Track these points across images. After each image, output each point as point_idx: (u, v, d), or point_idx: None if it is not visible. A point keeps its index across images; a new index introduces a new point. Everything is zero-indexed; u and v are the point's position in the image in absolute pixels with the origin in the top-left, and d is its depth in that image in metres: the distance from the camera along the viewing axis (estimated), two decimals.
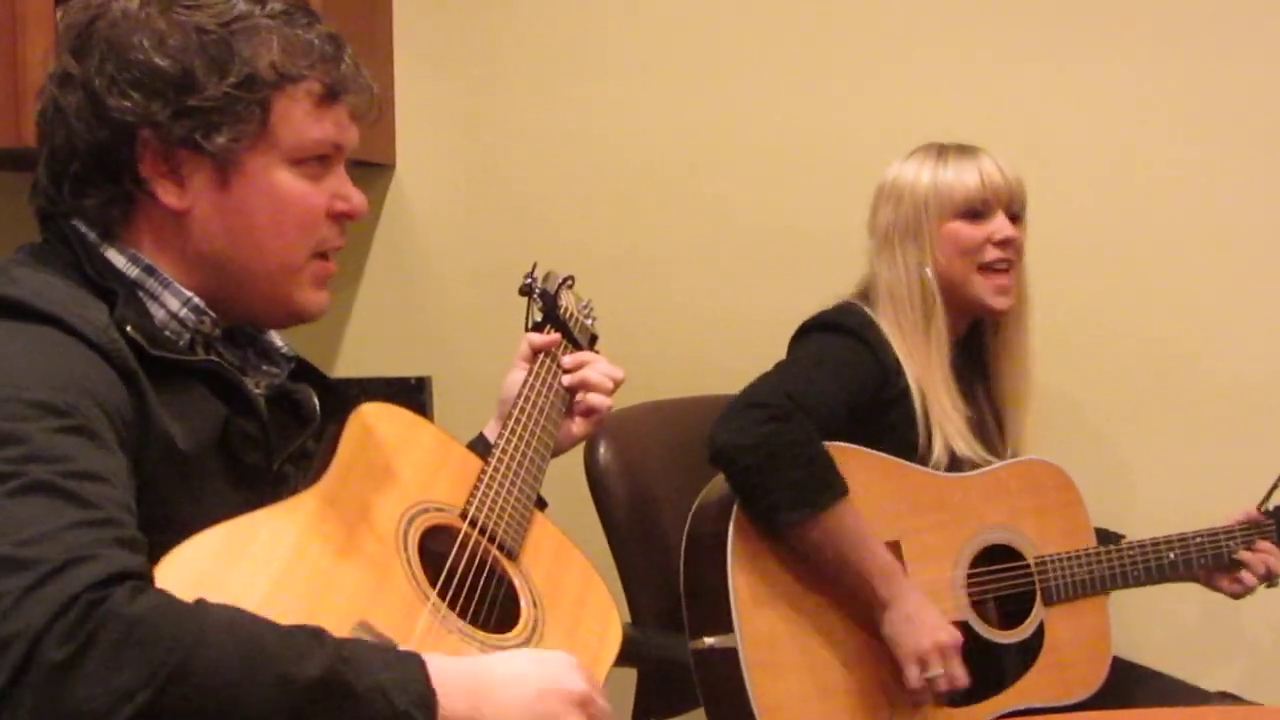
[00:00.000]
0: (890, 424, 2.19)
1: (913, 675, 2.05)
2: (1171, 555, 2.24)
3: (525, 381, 1.77)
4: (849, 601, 2.10)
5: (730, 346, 2.80)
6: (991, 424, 2.32)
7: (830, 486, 2.05)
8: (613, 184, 2.91)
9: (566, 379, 1.81)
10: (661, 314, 2.88)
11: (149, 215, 1.38)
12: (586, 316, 1.95)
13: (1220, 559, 2.26)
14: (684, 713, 2.41)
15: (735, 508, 2.09)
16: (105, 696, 1.03)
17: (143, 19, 1.36)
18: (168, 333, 1.37)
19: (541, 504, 1.69)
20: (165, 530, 1.22)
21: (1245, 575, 2.26)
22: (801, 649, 2.07)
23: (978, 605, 2.18)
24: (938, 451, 2.19)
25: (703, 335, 2.86)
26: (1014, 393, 2.31)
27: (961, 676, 2.07)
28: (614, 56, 2.91)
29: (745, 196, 2.84)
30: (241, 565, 1.25)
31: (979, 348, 2.35)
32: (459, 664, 1.23)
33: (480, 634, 1.40)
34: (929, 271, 2.22)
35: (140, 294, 1.37)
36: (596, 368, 1.83)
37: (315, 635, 1.14)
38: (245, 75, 1.36)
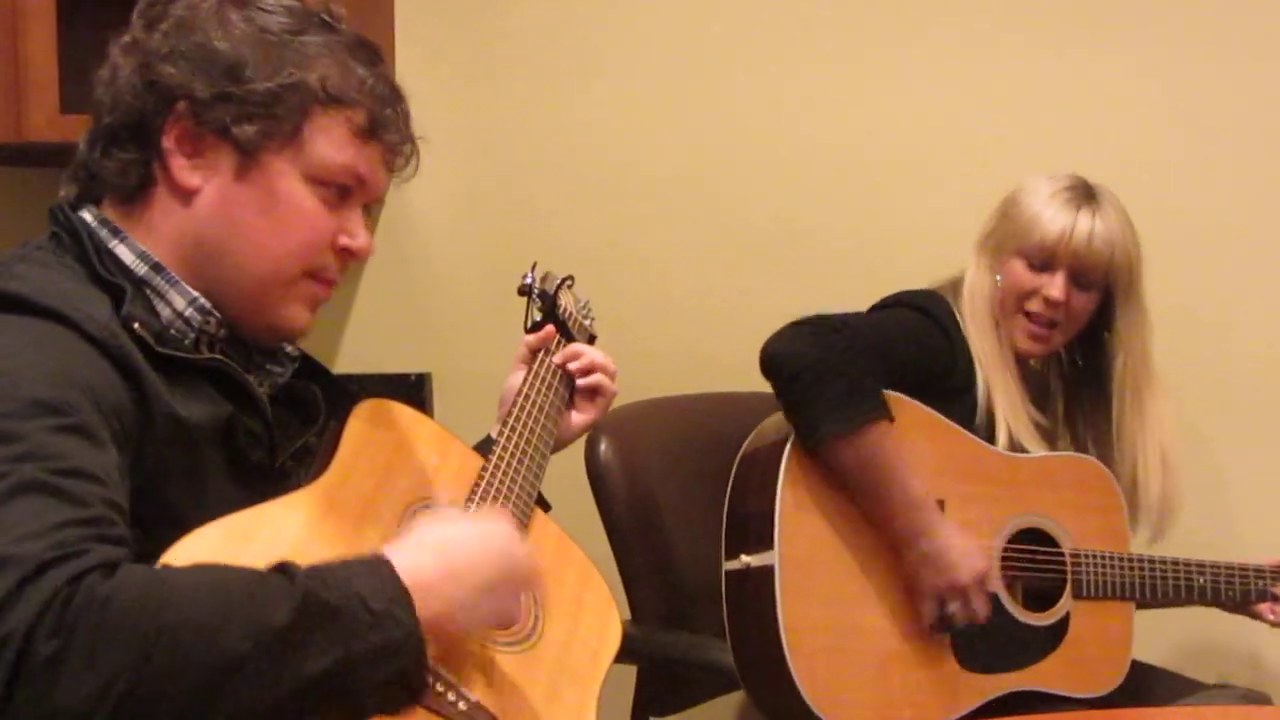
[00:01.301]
0: (950, 416, 2.19)
1: (928, 611, 2.07)
2: (1201, 580, 2.26)
3: (525, 379, 1.78)
4: (887, 537, 2.10)
5: (731, 344, 2.79)
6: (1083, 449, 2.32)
7: (873, 407, 2.06)
8: (613, 182, 2.92)
9: (571, 364, 1.83)
10: (662, 312, 2.89)
11: (160, 192, 1.39)
12: (585, 316, 1.95)
13: (1247, 595, 2.28)
14: (683, 710, 2.42)
15: (790, 434, 2.10)
16: (95, 681, 1.03)
17: (220, 11, 1.39)
18: (173, 331, 1.37)
19: (545, 506, 1.69)
20: (168, 526, 1.22)
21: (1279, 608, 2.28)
22: (837, 578, 2.08)
23: (1008, 583, 2.19)
24: (1001, 441, 2.20)
25: (703, 333, 2.86)
26: (1141, 457, 2.28)
27: (982, 608, 2.08)
28: (614, 55, 2.91)
29: (745, 195, 2.84)
30: (242, 560, 1.24)
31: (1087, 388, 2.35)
32: (420, 555, 1.24)
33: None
34: (999, 280, 2.24)
35: (147, 291, 1.38)
36: (593, 352, 1.85)
37: (281, 569, 1.15)
38: (292, 81, 1.38)
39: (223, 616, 1.08)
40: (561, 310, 1.88)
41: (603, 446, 2.32)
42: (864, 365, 2.08)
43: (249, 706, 1.07)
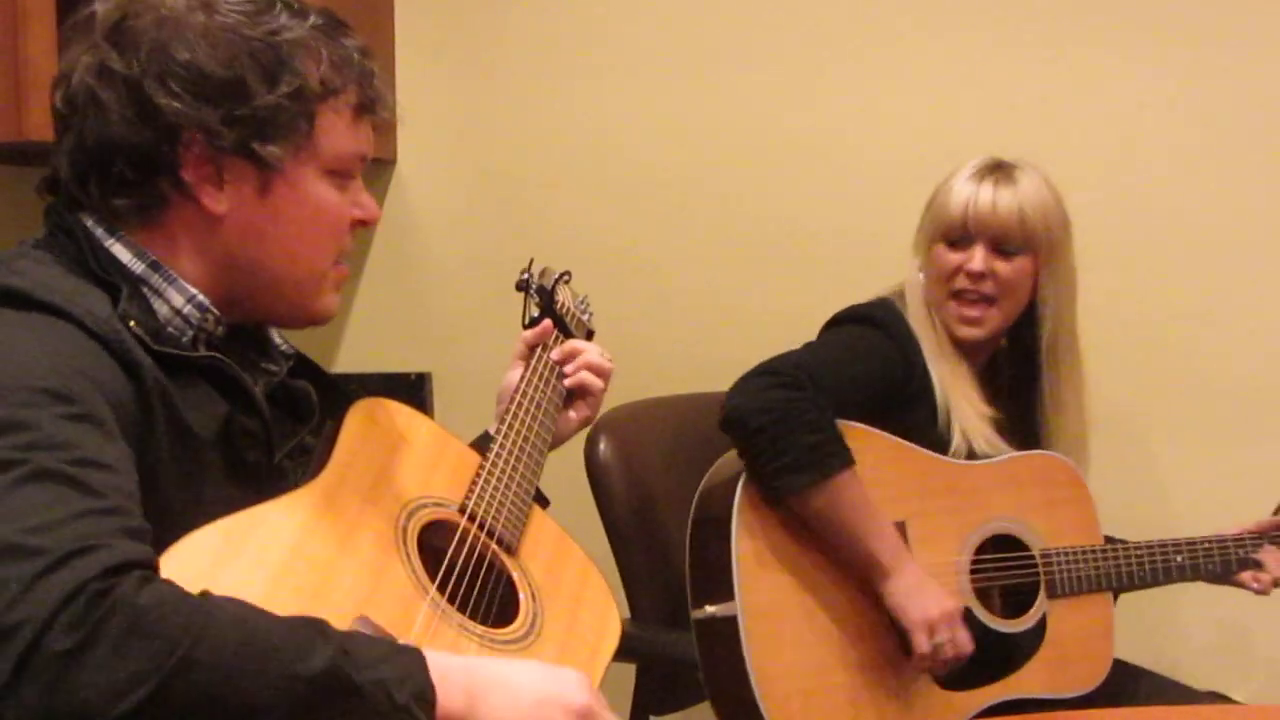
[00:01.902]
0: (913, 424, 2.20)
1: (920, 642, 2.05)
2: (1179, 558, 2.24)
3: (522, 376, 1.78)
4: (852, 576, 2.10)
5: (729, 342, 2.80)
6: (1020, 435, 2.30)
7: (837, 454, 2.06)
8: (612, 180, 2.92)
9: (567, 369, 1.82)
10: (661, 310, 2.89)
11: (181, 217, 1.39)
12: (583, 312, 1.96)
13: (1228, 566, 2.25)
14: (683, 708, 2.42)
15: (743, 477, 2.10)
16: (109, 686, 1.03)
17: (189, 20, 1.36)
18: (170, 329, 1.37)
19: (544, 502, 1.69)
20: (164, 525, 1.21)
21: (1262, 576, 2.25)
22: (802, 622, 2.08)
23: (981, 593, 2.18)
24: (955, 445, 2.20)
25: (702, 331, 2.86)
26: (1060, 424, 2.30)
27: (967, 642, 2.08)
28: (614, 54, 2.91)
29: (745, 192, 2.85)
30: (240, 561, 1.25)
31: (1022, 366, 2.33)
32: (457, 660, 1.23)
33: (479, 628, 1.40)
34: (922, 277, 2.25)
35: (144, 289, 1.37)
36: (588, 351, 1.85)
37: (318, 629, 1.14)
38: (296, 86, 1.37)
39: (251, 663, 1.07)
40: (559, 305, 1.88)
41: (602, 445, 2.32)
42: (827, 411, 2.08)
43: None
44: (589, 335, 1.93)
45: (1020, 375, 2.32)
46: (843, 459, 2.07)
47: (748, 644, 2.02)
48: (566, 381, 1.83)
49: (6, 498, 1.08)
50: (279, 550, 1.29)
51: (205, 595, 1.12)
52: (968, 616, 2.13)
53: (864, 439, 2.12)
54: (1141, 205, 2.66)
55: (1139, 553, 2.24)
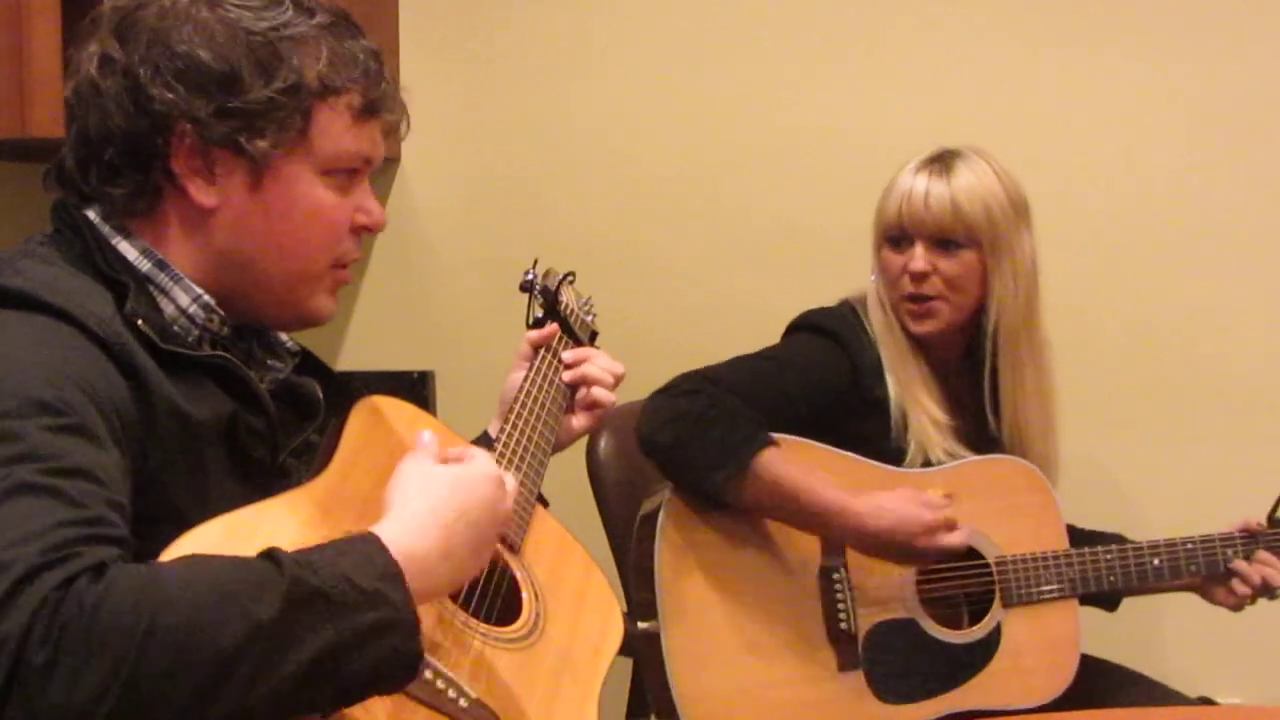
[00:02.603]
0: (864, 434, 2.16)
1: (947, 542, 2.04)
2: (1156, 562, 2.16)
3: (526, 377, 1.77)
4: (793, 593, 2.08)
5: (732, 342, 2.77)
6: (995, 437, 2.24)
7: (749, 440, 2.03)
8: (617, 180, 2.92)
9: (567, 375, 1.81)
10: (664, 310, 2.89)
11: (175, 208, 1.39)
12: (587, 313, 1.95)
13: (1214, 567, 2.18)
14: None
15: (667, 493, 2.08)
16: (88, 689, 1.02)
17: (192, 13, 1.36)
18: (176, 328, 1.37)
19: (543, 502, 1.69)
20: (170, 525, 1.22)
21: (1239, 586, 2.17)
22: (730, 638, 2.05)
23: (934, 603, 2.14)
24: (910, 455, 2.15)
25: (704, 331, 2.86)
26: (1023, 418, 2.22)
27: (954, 533, 2.06)
28: (618, 53, 2.91)
29: (748, 192, 2.85)
30: None
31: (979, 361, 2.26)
32: (406, 527, 1.23)
33: (483, 626, 1.40)
34: (873, 280, 2.21)
35: (151, 288, 1.37)
36: (597, 362, 1.83)
37: (268, 555, 1.13)
38: (292, 82, 1.36)
39: (213, 614, 1.06)
40: (563, 307, 1.88)
41: (603, 443, 2.33)
42: (733, 405, 2.05)
43: (245, 701, 1.06)
44: (593, 336, 1.93)
45: (978, 373, 2.24)
46: (756, 443, 2.02)
47: (669, 662, 2.01)
48: (578, 396, 1.82)
49: None
50: (282, 546, 1.28)
51: (153, 566, 1.12)
52: (912, 628, 2.10)
53: (799, 450, 2.09)
54: (1141, 204, 2.66)
55: (1108, 557, 2.16)
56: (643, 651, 2.05)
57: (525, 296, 1.89)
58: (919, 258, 2.14)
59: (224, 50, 1.35)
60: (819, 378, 2.16)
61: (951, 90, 2.73)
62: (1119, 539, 2.29)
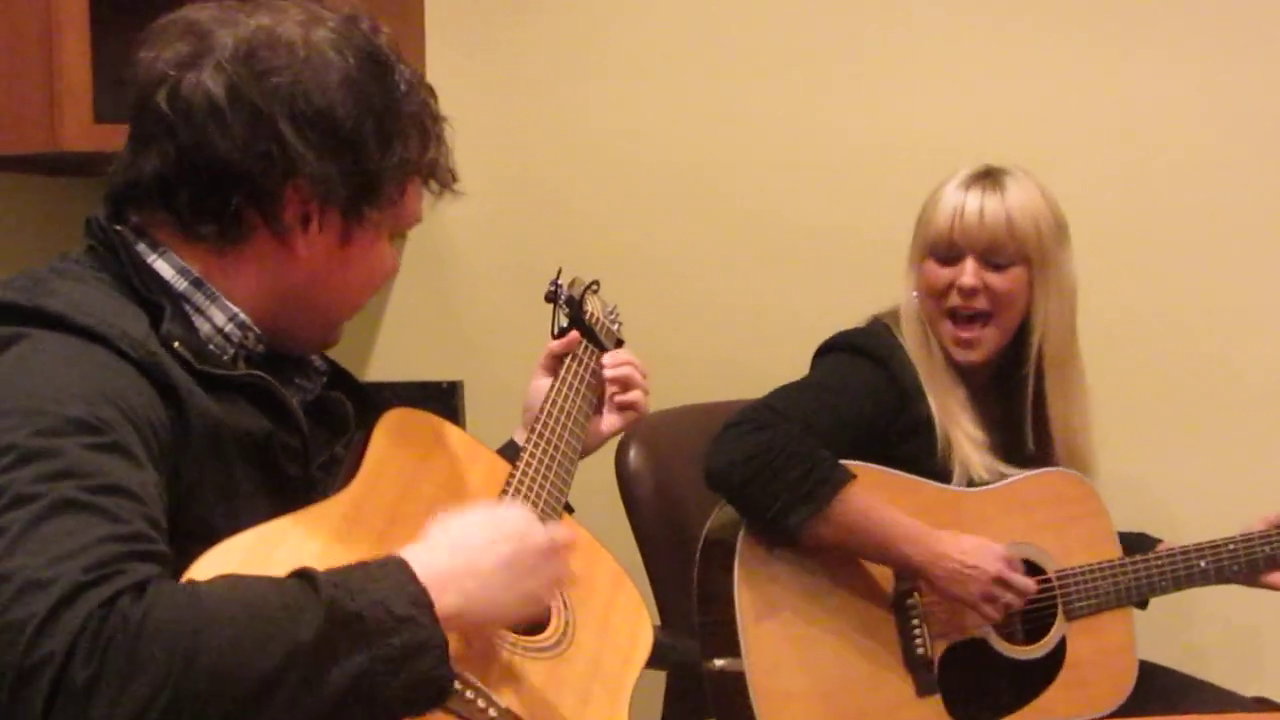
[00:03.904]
0: (912, 452, 2.16)
1: (989, 614, 2.05)
2: (1202, 563, 2.19)
3: (552, 386, 1.78)
4: (869, 620, 2.08)
5: (760, 349, 2.80)
6: (1031, 455, 2.24)
7: (828, 478, 2.03)
8: (645, 188, 2.92)
9: (609, 373, 1.84)
10: (692, 317, 2.89)
11: (259, 248, 1.39)
12: (613, 321, 1.95)
13: (1255, 564, 2.19)
14: (712, 717, 2.41)
15: (741, 532, 2.07)
16: (130, 708, 1.03)
17: (329, 61, 1.37)
18: (212, 346, 1.38)
19: (567, 509, 1.69)
20: (201, 542, 1.23)
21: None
22: (809, 673, 2.05)
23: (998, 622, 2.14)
24: (957, 476, 2.15)
25: (732, 338, 2.86)
26: (1073, 435, 2.24)
27: (1030, 585, 2.07)
28: (644, 60, 2.91)
29: (775, 198, 2.84)
30: (269, 572, 1.24)
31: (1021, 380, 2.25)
32: (434, 553, 1.25)
33: (511, 636, 1.40)
34: (915, 297, 2.20)
35: (186, 307, 1.38)
36: (635, 366, 1.86)
37: (305, 578, 1.15)
38: (403, 157, 1.40)
39: (254, 636, 1.08)
40: (588, 315, 1.88)
41: (633, 454, 2.32)
42: (808, 442, 2.04)
43: None
44: (618, 344, 1.93)
45: (1018, 390, 2.24)
46: (837, 479, 2.03)
47: (757, 702, 2.00)
48: (618, 399, 1.84)
49: (30, 531, 1.09)
50: (307, 560, 1.28)
51: (191, 584, 1.13)
52: (983, 648, 2.11)
53: (866, 476, 2.08)
54: (1160, 208, 2.64)
55: (1159, 562, 2.19)
56: (723, 689, 2.05)
57: (551, 306, 1.89)
58: (970, 272, 2.13)
59: (356, 112, 1.37)
60: (870, 402, 2.15)
61: (981, 97, 2.72)
62: (1143, 538, 2.30)
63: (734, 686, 2.03)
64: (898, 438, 2.16)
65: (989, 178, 2.16)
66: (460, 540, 1.29)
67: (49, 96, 2.38)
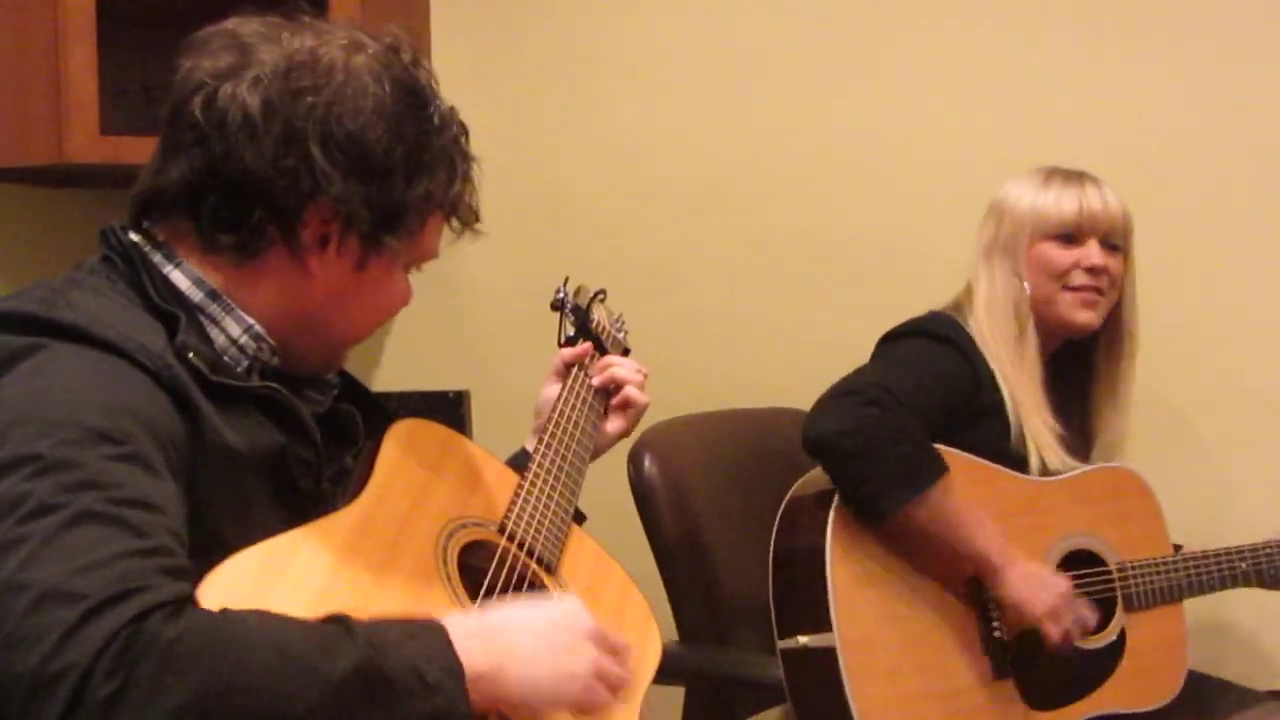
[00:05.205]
0: (983, 438, 2.18)
1: (1051, 632, 2.07)
2: (1244, 565, 2.26)
3: (560, 395, 1.78)
4: (949, 600, 2.10)
5: (770, 359, 2.79)
6: (1081, 443, 2.30)
7: (933, 465, 2.05)
8: (650, 196, 2.91)
9: (597, 380, 1.84)
10: (702, 325, 2.88)
11: (275, 265, 1.39)
12: (619, 330, 1.96)
13: None
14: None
15: (834, 502, 2.07)
16: None
17: (366, 86, 1.38)
18: (226, 358, 1.38)
19: (580, 518, 1.69)
20: (214, 554, 1.22)
21: None
22: (896, 650, 2.06)
23: None
24: (1033, 464, 2.19)
25: (742, 347, 2.85)
26: (1107, 426, 2.32)
27: (1091, 617, 2.12)
28: (650, 69, 2.91)
29: (785, 207, 2.84)
30: (281, 585, 1.25)
31: (1080, 370, 2.34)
32: (472, 622, 1.26)
33: None
34: (1026, 286, 2.23)
35: (202, 318, 1.38)
36: (624, 364, 1.86)
37: (342, 626, 1.15)
38: (426, 191, 1.41)
39: (284, 677, 1.08)
40: (594, 324, 1.89)
41: (647, 464, 2.31)
42: (913, 424, 2.06)
43: None
44: (624, 353, 1.94)
45: (1079, 379, 2.33)
46: (938, 468, 2.05)
47: (848, 678, 1.99)
48: (614, 401, 1.84)
49: (53, 540, 1.09)
50: (319, 573, 1.29)
51: (226, 613, 1.12)
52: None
53: (948, 460, 2.09)
54: (1194, 209, 2.62)
55: (1207, 561, 2.25)
56: (805, 667, 2.04)
57: (558, 315, 1.89)
58: (1096, 253, 2.22)
59: (387, 140, 1.37)
60: (952, 384, 2.18)
61: (989, 106, 2.71)
62: (1174, 546, 2.32)
63: (821, 662, 2.01)
64: (969, 421, 2.18)
65: (1085, 175, 2.26)
66: (503, 619, 1.29)
67: (55, 109, 2.39)
